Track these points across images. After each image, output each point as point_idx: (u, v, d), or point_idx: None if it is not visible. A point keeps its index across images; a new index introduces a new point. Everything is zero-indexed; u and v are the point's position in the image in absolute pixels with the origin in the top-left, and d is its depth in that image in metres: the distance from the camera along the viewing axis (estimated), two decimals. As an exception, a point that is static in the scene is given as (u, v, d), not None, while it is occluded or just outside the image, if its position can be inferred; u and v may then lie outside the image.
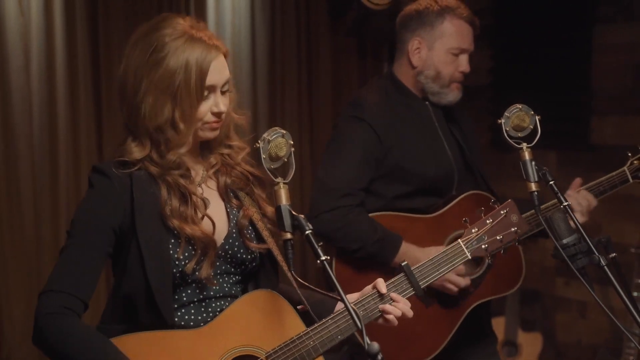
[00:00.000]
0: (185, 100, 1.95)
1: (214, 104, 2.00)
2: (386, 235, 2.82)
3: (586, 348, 4.52)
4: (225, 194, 2.09)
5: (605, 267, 2.12)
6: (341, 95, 4.89)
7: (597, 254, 2.14)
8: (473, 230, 2.17)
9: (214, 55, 1.98)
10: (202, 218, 2.00)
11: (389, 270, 2.77)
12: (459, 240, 2.15)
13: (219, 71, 2.00)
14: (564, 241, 2.18)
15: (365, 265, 2.85)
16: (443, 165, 2.97)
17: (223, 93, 2.03)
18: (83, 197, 2.02)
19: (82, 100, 4.01)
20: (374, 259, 2.82)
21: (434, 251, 2.76)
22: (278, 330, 1.98)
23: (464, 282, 2.84)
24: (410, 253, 2.80)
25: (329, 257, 1.85)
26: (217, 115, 2.01)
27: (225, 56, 2.03)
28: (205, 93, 1.98)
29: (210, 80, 1.98)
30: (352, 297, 2.05)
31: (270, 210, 2.09)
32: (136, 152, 1.99)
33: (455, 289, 2.83)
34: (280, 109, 4.69)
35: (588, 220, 2.93)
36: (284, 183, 1.89)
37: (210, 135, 2.04)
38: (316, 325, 1.96)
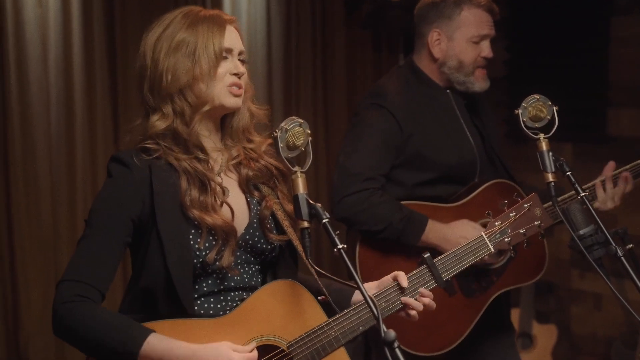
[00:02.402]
0: (204, 58, 1.98)
1: (233, 66, 2.03)
2: (412, 214, 2.80)
3: (601, 340, 4.51)
4: (246, 185, 2.09)
5: (622, 257, 2.11)
6: (356, 87, 4.90)
7: (614, 244, 2.14)
8: (496, 224, 2.16)
9: (227, 21, 2.05)
10: (222, 205, 2.01)
11: (414, 254, 2.76)
12: (482, 233, 2.14)
13: (234, 37, 2.05)
14: (581, 232, 2.17)
15: (389, 250, 2.84)
16: (465, 153, 2.96)
17: (241, 62, 2.07)
18: (101, 186, 2.02)
19: (99, 90, 4.03)
20: (400, 239, 2.80)
21: (459, 227, 2.75)
22: (299, 320, 1.98)
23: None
24: (437, 231, 2.78)
25: (345, 246, 1.85)
26: (237, 77, 2.03)
27: (237, 31, 2.09)
28: (223, 53, 2.02)
29: (226, 42, 2.02)
30: (371, 286, 2.05)
31: (290, 208, 2.08)
32: (159, 123, 1.99)
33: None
34: (295, 99, 4.70)
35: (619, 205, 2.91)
36: (302, 172, 1.90)
37: (232, 102, 2.03)
38: (338, 315, 1.96)
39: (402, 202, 2.86)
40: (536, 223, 2.18)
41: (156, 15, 2.10)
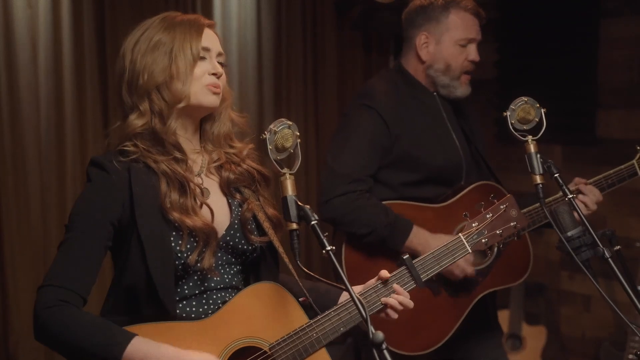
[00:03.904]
0: (180, 56, 2.00)
1: (211, 67, 2.04)
2: (397, 219, 2.83)
3: (590, 341, 4.52)
4: (227, 188, 2.10)
5: (609, 259, 2.12)
6: (346, 88, 4.90)
7: (601, 246, 2.15)
8: (473, 225, 2.18)
9: (205, 23, 2.07)
10: (201, 206, 2.01)
11: (398, 256, 2.78)
12: (460, 234, 2.17)
13: (212, 38, 2.07)
14: (569, 234, 2.19)
15: (374, 251, 2.86)
16: (451, 155, 2.98)
17: (220, 65, 2.08)
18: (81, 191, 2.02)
19: (89, 92, 4.02)
20: (384, 244, 2.83)
21: (444, 238, 2.77)
22: (281, 322, 1.99)
23: (470, 269, 2.84)
24: (422, 238, 2.81)
25: (334, 247, 1.86)
26: (215, 76, 2.04)
27: (216, 35, 2.11)
28: (201, 53, 2.02)
29: (204, 42, 2.04)
30: (356, 289, 2.05)
31: (271, 212, 2.11)
32: (137, 122, 2.00)
33: (460, 275, 2.84)
34: (286, 101, 4.70)
35: (590, 213, 2.93)
36: (290, 174, 1.91)
37: (210, 100, 2.04)
38: (319, 317, 1.98)
39: (389, 202, 2.88)
40: (512, 224, 2.21)
41: (146, 15, 2.11)
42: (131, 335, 1.85)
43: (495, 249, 2.96)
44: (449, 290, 2.91)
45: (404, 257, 2.08)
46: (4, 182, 3.82)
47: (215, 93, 2.04)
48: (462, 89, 3.00)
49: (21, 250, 3.86)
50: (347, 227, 2.83)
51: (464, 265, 2.83)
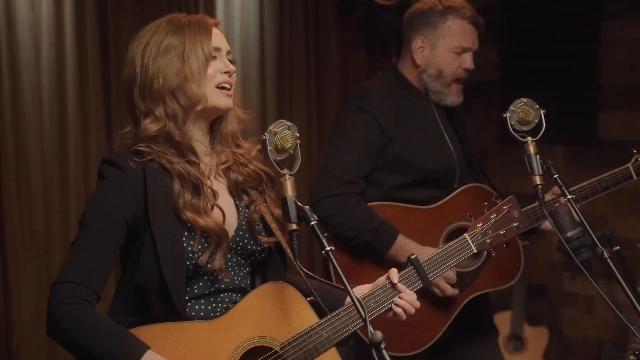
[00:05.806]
0: (193, 58, 2.00)
1: (223, 65, 2.05)
2: (382, 226, 2.84)
3: (592, 343, 4.52)
4: (235, 190, 2.11)
5: (608, 259, 2.13)
6: (349, 90, 4.91)
7: (600, 247, 2.15)
8: (478, 225, 2.20)
9: (212, 23, 2.08)
10: (212, 208, 2.02)
11: (385, 261, 2.80)
12: (465, 234, 2.18)
13: (220, 37, 2.08)
14: (568, 234, 2.20)
15: (362, 255, 2.88)
16: (444, 158, 2.99)
17: (229, 62, 2.09)
18: (94, 188, 2.02)
19: (92, 94, 4.03)
20: (369, 249, 2.84)
21: (430, 250, 2.78)
22: (291, 321, 2.00)
23: (451, 291, 2.86)
24: (407, 247, 2.82)
25: (333, 248, 1.87)
26: (228, 75, 2.05)
27: (221, 33, 2.12)
28: (212, 53, 2.04)
29: (214, 42, 2.05)
30: (365, 288, 2.07)
31: (278, 212, 2.11)
32: (151, 126, 2.00)
33: (440, 294, 2.86)
34: (288, 103, 4.71)
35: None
36: (290, 175, 1.91)
37: (224, 102, 2.05)
38: (329, 316, 1.99)
39: (379, 203, 2.89)
40: (515, 224, 2.22)
41: (149, 18, 2.11)
42: (144, 348, 1.85)
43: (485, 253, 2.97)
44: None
45: (412, 257, 2.09)
46: (7, 183, 3.83)
47: (228, 95, 2.06)
48: (452, 98, 3.01)
49: (24, 251, 3.87)
50: (334, 229, 2.85)
51: (444, 285, 2.85)
